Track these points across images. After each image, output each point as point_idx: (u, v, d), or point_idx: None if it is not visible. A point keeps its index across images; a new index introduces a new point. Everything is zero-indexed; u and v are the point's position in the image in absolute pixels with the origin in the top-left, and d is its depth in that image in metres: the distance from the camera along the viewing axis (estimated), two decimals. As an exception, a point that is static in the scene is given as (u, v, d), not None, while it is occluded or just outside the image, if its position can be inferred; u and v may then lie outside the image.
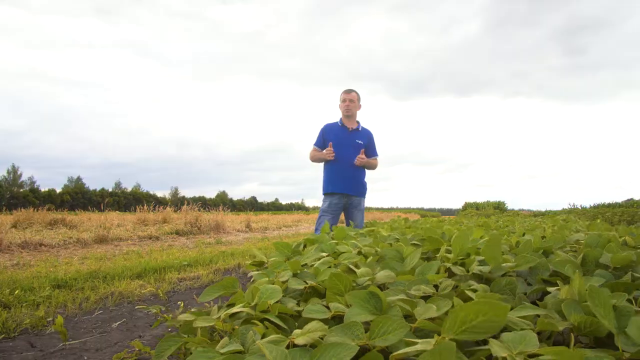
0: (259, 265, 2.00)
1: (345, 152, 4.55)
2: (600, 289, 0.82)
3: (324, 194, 4.68)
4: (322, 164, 4.80)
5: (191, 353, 1.45)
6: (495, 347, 0.74)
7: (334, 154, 4.48)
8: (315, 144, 4.77)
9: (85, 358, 2.28)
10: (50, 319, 2.95)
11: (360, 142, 4.67)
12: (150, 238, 9.42)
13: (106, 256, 6.35)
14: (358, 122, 4.79)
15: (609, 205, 22.14)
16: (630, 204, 21.64)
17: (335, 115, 5.00)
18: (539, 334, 0.82)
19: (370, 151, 4.82)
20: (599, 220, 4.46)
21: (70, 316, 3.09)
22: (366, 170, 4.79)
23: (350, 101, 4.64)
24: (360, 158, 4.54)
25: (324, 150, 4.52)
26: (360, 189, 4.70)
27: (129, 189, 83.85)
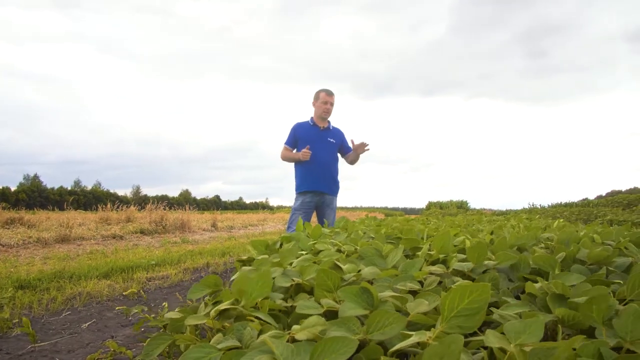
0: (249, 261, 2.00)
1: (318, 150, 4.56)
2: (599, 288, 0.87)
3: (297, 192, 4.68)
4: (292, 163, 4.80)
5: (175, 352, 1.44)
6: (490, 337, 0.76)
7: (309, 154, 4.47)
8: (286, 143, 4.75)
9: (57, 360, 2.22)
10: (16, 320, 2.85)
11: (332, 140, 4.70)
12: (114, 237, 9.20)
13: (69, 256, 6.17)
14: (329, 122, 4.81)
15: (566, 205, 22.97)
16: (586, 203, 22.52)
17: (304, 113, 4.99)
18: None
19: (346, 148, 4.88)
20: (561, 220, 4.64)
21: (36, 317, 3.00)
22: (339, 168, 4.84)
23: (331, 104, 4.66)
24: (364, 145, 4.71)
25: (301, 151, 4.51)
26: (333, 187, 4.73)
27: (89, 188, 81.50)
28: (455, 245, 1.97)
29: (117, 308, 2.00)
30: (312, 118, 4.76)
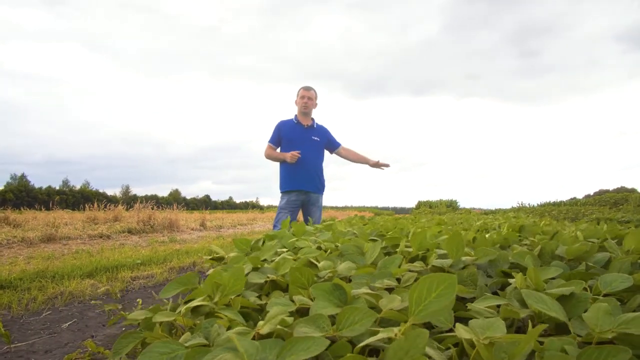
0: (219, 260, 1.97)
1: (302, 149, 4.53)
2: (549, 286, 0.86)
3: (282, 191, 4.66)
4: (277, 162, 4.77)
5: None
6: (461, 330, 0.76)
7: (298, 157, 4.45)
8: (270, 141, 4.73)
9: (33, 360, 2.18)
10: (-6, 320, 2.80)
11: (316, 138, 4.69)
12: (101, 237, 9.11)
13: (54, 255, 6.10)
14: (313, 119, 4.79)
15: (554, 204, 23.16)
16: (574, 202, 22.72)
17: (291, 112, 4.95)
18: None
19: (333, 144, 4.89)
20: (547, 218, 4.66)
21: (15, 317, 2.95)
22: (324, 167, 4.82)
23: (309, 99, 4.64)
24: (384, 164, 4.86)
25: (289, 154, 4.48)
26: (318, 185, 4.71)
27: (77, 187, 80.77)
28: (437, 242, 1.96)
29: (92, 301, 1.92)
30: (295, 116, 4.74)
